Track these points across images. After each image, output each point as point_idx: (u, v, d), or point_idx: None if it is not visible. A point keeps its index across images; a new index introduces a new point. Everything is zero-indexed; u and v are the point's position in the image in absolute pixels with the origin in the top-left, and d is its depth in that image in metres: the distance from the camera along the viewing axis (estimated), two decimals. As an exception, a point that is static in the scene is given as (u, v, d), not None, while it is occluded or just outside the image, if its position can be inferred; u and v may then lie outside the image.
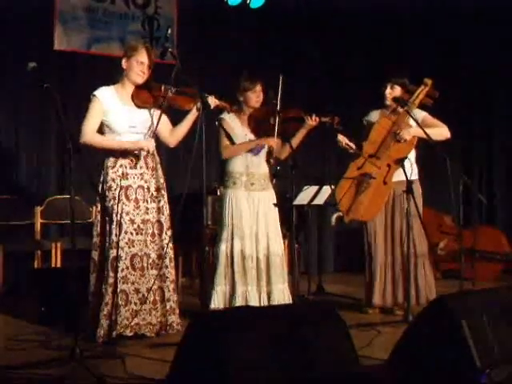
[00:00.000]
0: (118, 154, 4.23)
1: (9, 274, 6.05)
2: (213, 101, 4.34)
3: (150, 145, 4.28)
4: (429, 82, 5.08)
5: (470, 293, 3.70)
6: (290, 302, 4.85)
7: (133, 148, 4.24)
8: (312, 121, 4.82)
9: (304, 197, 4.44)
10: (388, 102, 5.16)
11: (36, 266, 6.01)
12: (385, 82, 5.16)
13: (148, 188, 4.30)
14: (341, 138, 5.08)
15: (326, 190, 4.49)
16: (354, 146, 5.11)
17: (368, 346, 3.97)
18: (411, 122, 5.06)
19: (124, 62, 4.28)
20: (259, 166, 4.91)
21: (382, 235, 5.17)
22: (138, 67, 4.27)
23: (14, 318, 4.87)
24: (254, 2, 7.24)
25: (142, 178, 4.28)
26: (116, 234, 4.15)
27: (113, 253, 4.14)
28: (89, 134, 4.18)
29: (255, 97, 4.89)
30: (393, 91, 5.14)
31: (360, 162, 5.10)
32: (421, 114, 5.08)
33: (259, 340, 2.56)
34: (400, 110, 5.08)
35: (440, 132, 5.06)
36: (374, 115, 5.28)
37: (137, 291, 4.17)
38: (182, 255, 6.60)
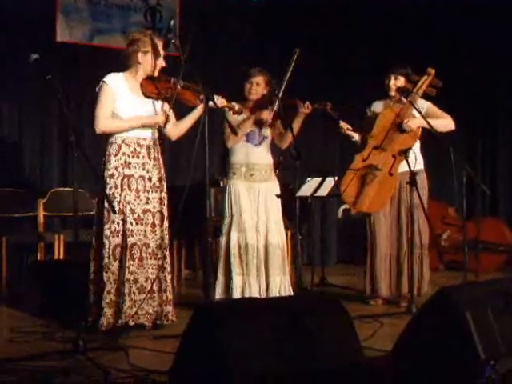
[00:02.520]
0: (122, 141, 4.21)
1: (12, 267, 6.06)
2: (220, 102, 4.35)
3: (162, 119, 4.28)
4: (432, 71, 5.06)
5: (473, 284, 3.70)
6: (290, 294, 4.85)
7: (150, 122, 4.25)
8: (305, 108, 4.81)
9: (307, 188, 4.43)
10: (392, 92, 5.16)
11: (39, 258, 6.02)
12: (388, 73, 5.15)
13: (150, 178, 4.29)
14: (342, 124, 5.11)
15: (329, 182, 4.48)
16: (356, 135, 5.12)
17: (371, 338, 3.97)
18: (415, 112, 5.06)
19: (140, 57, 4.24)
20: (260, 157, 4.91)
21: (387, 226, 5.17)
22: (157, 61, 4.27)
23: (17, 310, 4.88)
24: (256, -6, 7.24)
25: (143, 168, 4.27)
26: (118, 223, 4.16)
27: (114, 241, 4.13)
28: (105, 121, 4.18)
29: (248, 88, 4.88)
30: (396, 82, 5.13)
31: (365, 154, 5.09)
32: (424, 105, 5.07)
33: (262, 331, 2.55)
34: (404, 100, 5.07)
35: (444, 123, 5.06)
36: (378, 106, 5.28)
37: (135, 281, 4.17)
38: (184, 247, 6.61)
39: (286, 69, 4.75)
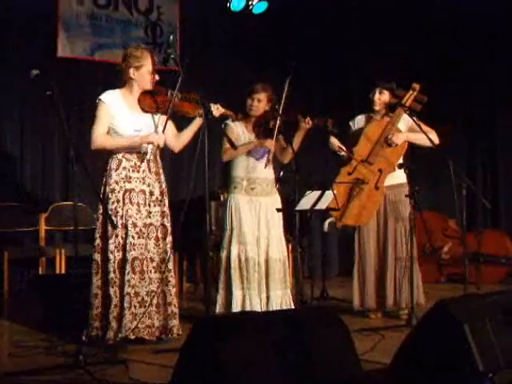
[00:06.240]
0: (123, 156, 4.22)
1: (13, 281, 6.07)
2: (217, 109, 4.34)
3: (161, 140, 4.27)
4: (417, 86, 5.09)
5: (472, 297, 3.69)
6: (291, 307, 4.85)
7: (143, 141, 4.23)
8: (305, 123, 4.82)
9: (306, 202, 4.43)
10: (377, 107, 5.17)
11: (40, 272, 6.03)
12: (373, 87, 5.16)
13: (151, 192, 4.30)
14: (333, 140, 5.13)
15: (329, 195, 4.49)
16: (345, 149, 5.12)
17: (372, 351, 3.97)
18: (400, 126, 5.09)
19: (132, 72, 4.24)
20: (261, 171, 4.90)
21: (375, 239, 5.18)
22: (150, 76, 4.28)
23: (18, 324, 4.88)
24: (256, 7, 7.26)
25: (143, 183, 4.28)
26: (122, 237, 4.16)
27: (119, 255, 4.15)
28: (99, 138, 4.19)
29: (249, 104, 4.88)
30: (381, 96, 5.15)
31: (351, 167, 5.11)
32: (409, 120, 5.07)
33: (260, 345, 2.56)
34: (390, 116, 5.09)
35: (430, 137, 5.04)
36: (361, 120, 5.30)
37: (137, 295, 4.17)
38: (186, 261, 6.62)
39: (283, 85, 4.76)
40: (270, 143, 4.82)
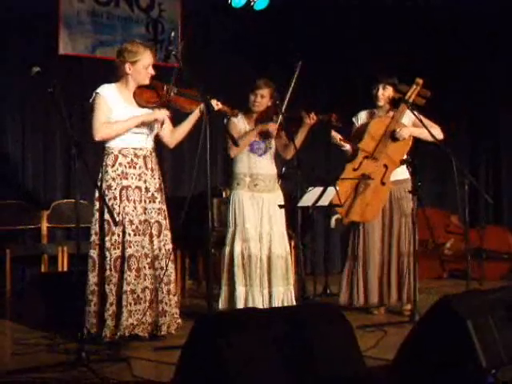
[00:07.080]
0: (119, 152, 4.19)
1: (15, 279, 6.07)
2: (215, 104, 4.33)
3: (164, 114, 4.26)
4: (420, 81, 5.08)
5: (475, 293, 3.68)
6: (293, 304, 4.84)
7: (148, 119, 4.23)
8: (310, 119, 4.81)
9: (308, 198, 4.42)
10: (380, 102, 5.16)
11: (42, 270, 6.03)
12: (376, 83, 5.15)
13: (147, 188, 4.27)
14: (334, 134, 5.09)
15: (331, 191, 4.48)
16: (347, 145, 5.10)
17: (375, 347, 3.97)
18: (405, 122, 5.08)
19: (128, 67, 4.22)
20: (263, 167, 4.92)
21: (379, 235, 5.17)
22: (146, 71, 4.25)
23: (21, 322, 4.88)
24: (257, 3, 7.25)
25: (139, 179, 4.25)
26: (118, 234, 4.15)
27: (116, 253, 4.13)
28: (101, 128, 4.15)
29: (253, 100, 4.89)
30: (385, 91, 5.14)
31: (356, 163, 5.10)
32: (413, 115, 5.06)
33: (262, 342, 2.56)
34: (394, 111, 5.08)
35: (434, 132, 5.04)
36: (364, 115, 5.29)
37: (132, 292, 4.14)
38: (188, 258, 6.62)
39: (289, 82, 4.76)
40: (272, 126, 4.81)
